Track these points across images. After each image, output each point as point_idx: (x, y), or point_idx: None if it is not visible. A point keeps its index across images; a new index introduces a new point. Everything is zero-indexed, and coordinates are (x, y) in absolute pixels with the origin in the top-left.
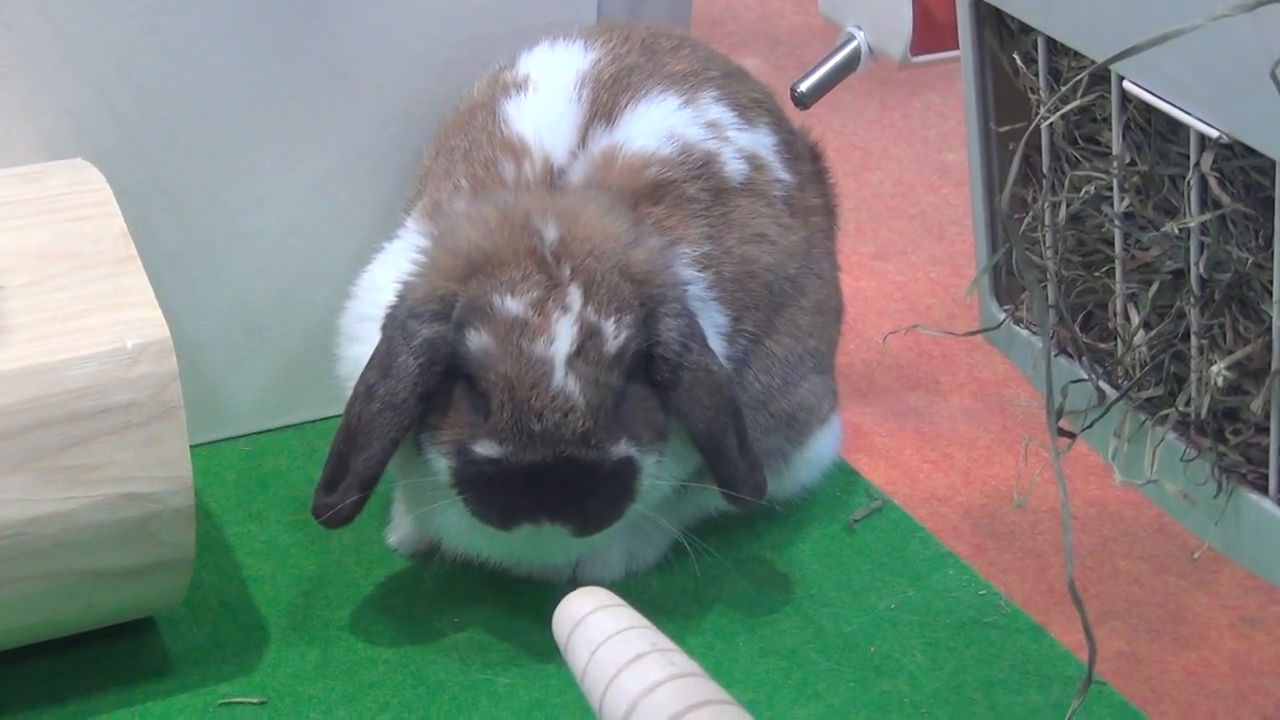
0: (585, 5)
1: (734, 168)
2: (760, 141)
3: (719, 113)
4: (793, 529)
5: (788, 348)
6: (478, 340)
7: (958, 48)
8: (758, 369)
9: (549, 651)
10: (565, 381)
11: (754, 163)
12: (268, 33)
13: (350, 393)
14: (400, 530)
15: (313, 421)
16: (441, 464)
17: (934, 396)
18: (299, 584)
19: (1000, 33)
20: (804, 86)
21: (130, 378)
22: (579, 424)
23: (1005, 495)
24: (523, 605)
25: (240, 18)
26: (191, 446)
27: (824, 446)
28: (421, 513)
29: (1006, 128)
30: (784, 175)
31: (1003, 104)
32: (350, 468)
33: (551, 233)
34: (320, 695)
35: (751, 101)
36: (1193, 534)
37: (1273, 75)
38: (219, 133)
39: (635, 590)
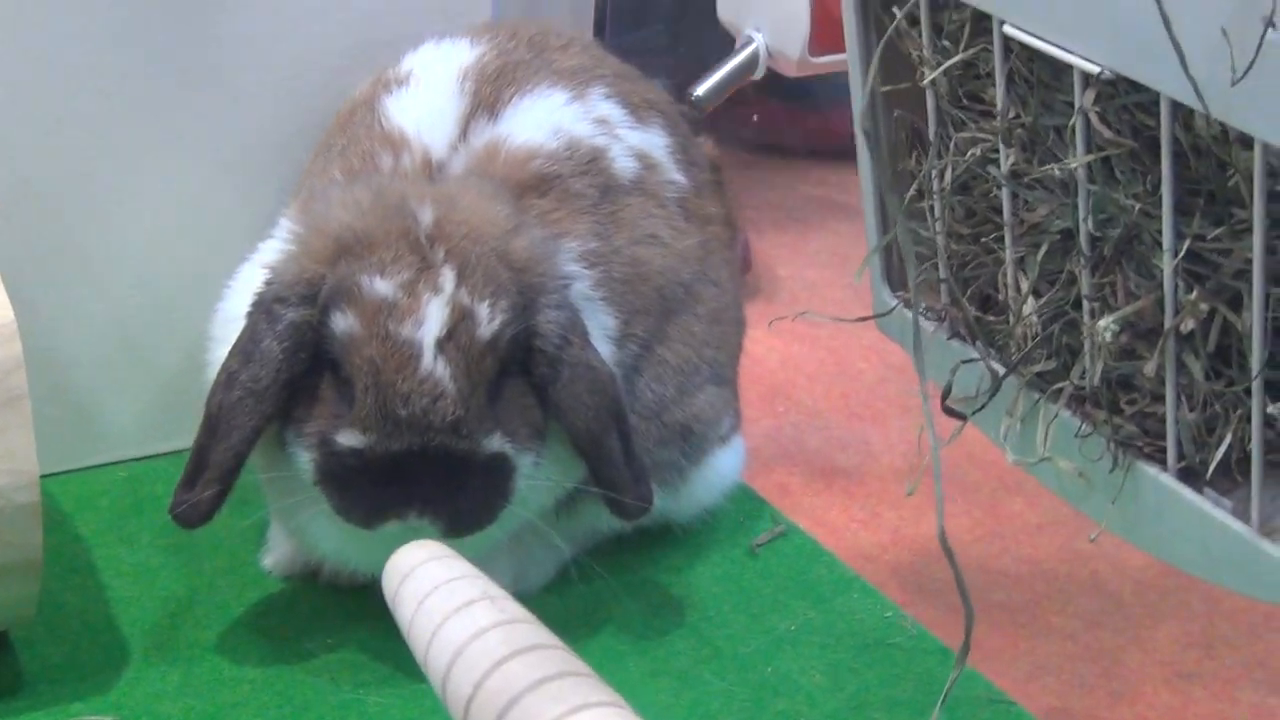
0: (478, 14)
1: (624, 165)
2: (652, 141)
3: (609, 109)
4: (692, 552)
5: (681, 355)
6: (343, 323)
7: None
8: (650, 377)
9: (419, 671)
10: (435, 365)
11: (645, 162)
12: (143, 31)
13: None
14: (276, 552)
15: None
16: (304, 458)
17: (864, 457)
18: (166, 605)
19: None
20: (701, 90)
21: None
22: (449, 411)
23: (934, 553)
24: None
25: (116, 18)
26: (65, 472)
27: (724, 465)
28: (290, 521)
29: (888, 87)
30: (678, 177)
31: (889, 71)
32: (209, 460)
33: (427, 215)
34: (178, 714)
35: (644, 101)
36: (1120, 592)
37: None
38: (91, 134)
39: None
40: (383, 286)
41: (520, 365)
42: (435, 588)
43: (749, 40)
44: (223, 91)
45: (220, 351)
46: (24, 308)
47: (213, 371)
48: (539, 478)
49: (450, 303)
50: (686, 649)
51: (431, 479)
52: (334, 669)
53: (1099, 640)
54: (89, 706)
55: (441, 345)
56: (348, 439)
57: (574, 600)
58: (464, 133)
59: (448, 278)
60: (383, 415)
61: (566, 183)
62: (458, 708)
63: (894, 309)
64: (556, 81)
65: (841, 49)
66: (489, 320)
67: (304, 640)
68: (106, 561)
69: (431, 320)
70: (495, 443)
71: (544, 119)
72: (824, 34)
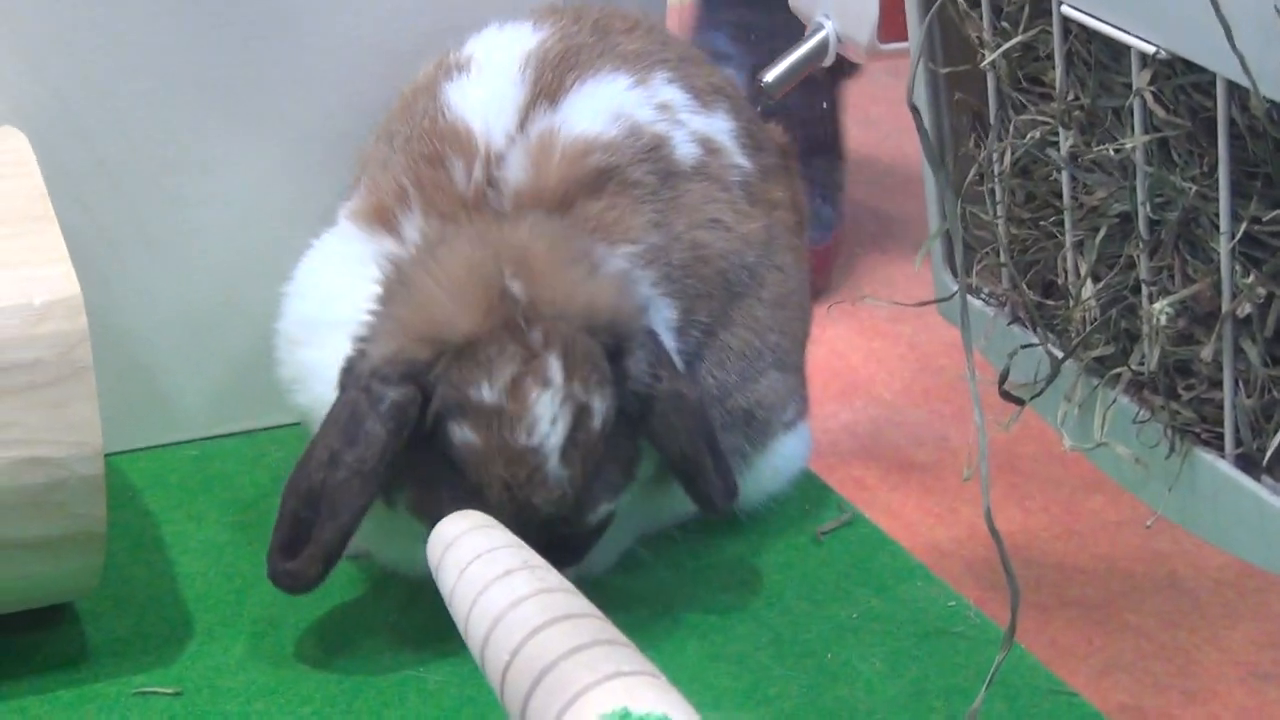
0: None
1: (686, 151)
2: (717, 126)
3: (672, 94)
4: (756, 539)
5: (744, 340)
6: (459, 434)
7: None
8: (712, 363)
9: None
10: (559, 471)
11: (708, 146)
12: (219, 16)
13: (292, 404)
14: None
15: (264, 429)
16: (420, 527)
17: (942, 453)
18: (231, 581)
19: None
20: (770, 77)
21: (36, 335)
22: (569, 504)
23: (1012, 549)
24: None
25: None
26: (135, 450)
27: (790, 451)
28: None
29: (948, 69)
30: (742, 161)
31: (951, 54)
32: (314, 536)
33: (517, 288)
34: (239, 688)
35: (709, 85)
36: (1196, 590)
37: None
38: (164, 117)
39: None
40: (488, 394)
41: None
42: (477, 556)
43: (819, 27)
44: (292, 76)
45: (298, 353)
46: (97, 288)
47: (289, 370)
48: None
49: (564, 399)
50: (746, 634)
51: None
52: (395, 645)
53: (1174, 639)
54: (151, 679)
55: (565, 451)
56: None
57: (636, 584)
58: (521, 123)
59: (555, 369)
60: (514, 518)
61: (625, 172)
62: (495, 675)
63: (955, 294)
64: (619, 66)
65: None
66: (601, 413)
67: (365, 616)
68: (174, 537)
69: (544, 422)
70: (601, 511)
71: (604, 105)
72: (893, 21)
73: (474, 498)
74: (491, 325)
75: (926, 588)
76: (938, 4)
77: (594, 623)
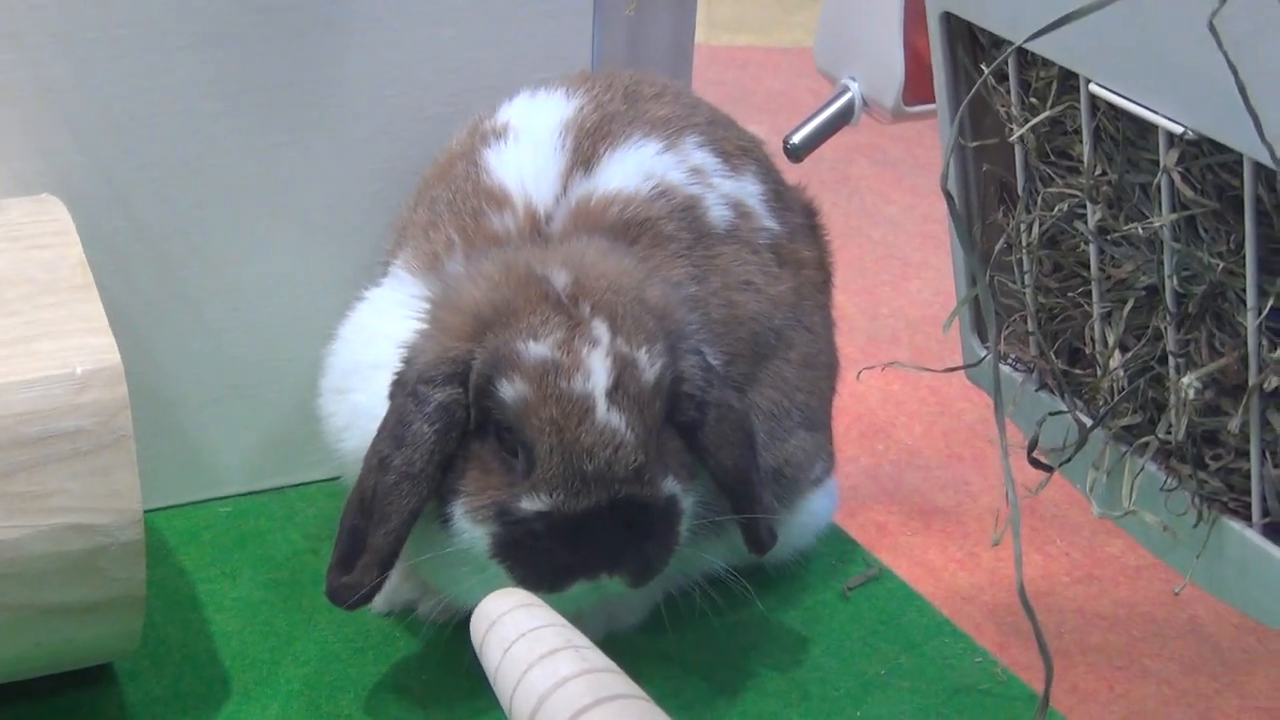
0: (579, 60)
1: (718, 214)
2: (746, 189)
3: (702, 158)
4: (784, 594)
5: (772, 400)
6: (511, 390)
7: None
8: None
9: None
10: (609, 416)
11: (739, 210)
12: (255, 83)
13: (343, 455)
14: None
15: (295, 485)
16: (478, 532)
17: (963, 498)
18: (266, 640)
19: (974, 50)
20: (796, 138)
21: (78, 404)
22: (630, 459)
23: (1033, 595)
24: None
25: (227, 66)
26: (170, 507)
27: (817, 508)
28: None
29: (977, 143)
30: (770, 224)
31: (979, 126)
32: (368, 544)
33: (561, 277)
34: None
35: (737, 149)
36: (1217, 636)
37: (1210, 27)
38: (202, 182)
39: (613, 652)
40: (540, 349)
41: (667, 411)
42: (521, 635)
43: (844, 89)
44: (328, 139)
45: (345, 401)
46: (134, 348)
47: (332, 423)
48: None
49: (611, 353)
50: (776, 691)
51: (616, 534)
52: (429, 705)
53: (1195, 685)
54: None
55: (612, 396)
56: (532, 504)
57: (664, 643)
58: (565, 188)
59: (601, 330)
60: (569, 472)
61: (658, 226)
62: None
63: (983, 360)
64: (650, 132)
65: (934, 98)
66: (650, 365)
67: (401, 677)
68: (209, 595)
69: (597, 373)
70: (670, 485)
71: (635, 168)
72: (918, 83)
73: (513, 466)
74: (529, 297)
75: (954, 643)
76: (973, 91)
77: (640, 704)
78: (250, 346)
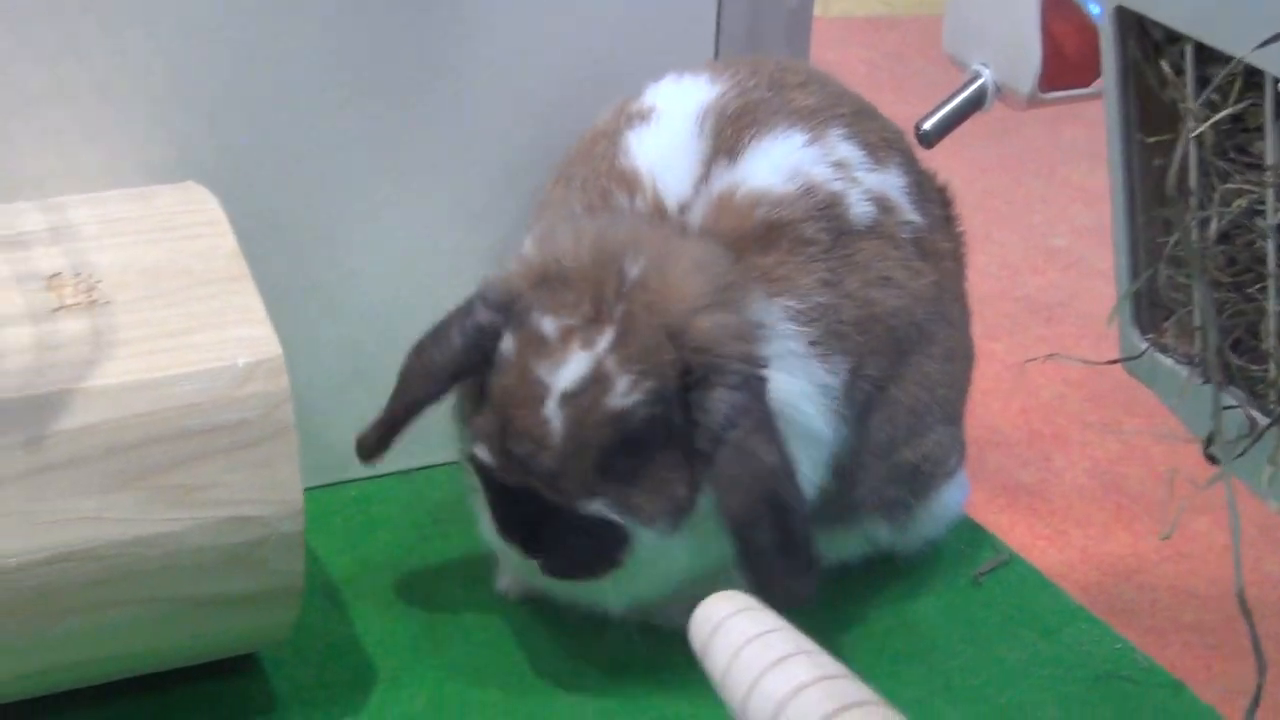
0: (704, 44)
1: (860, 210)
2: (890, 182)
3: (847, 151)
4: (915, 582)
5: (914, 396)
6: (506, 345)
7: (1086, 85)
8: (881, 418)
9: (666, 698)
10: (551, 414)
11: (882, 205)
12: (382, 68)
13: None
14: (507, 574)
15: (421, 468)
16: (466, 451)
17: (1046, 474)
18: (407, 627)
19: (1145, 44)
20: (928, 125)
21: (240, 396)
22: (547, 462)
23: (1122, 574)
24: (640, 656)
25: (357, 51)
26: None
27: (949, 500)
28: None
29: (1155, 139)
30: (914, 217)
31: (1147, 120)
32: (385, 407)
33: (634, 270)
34: None
35: (882, 141)
36: None
37: None
38: (331, 168)
39: None
40: (548, 325)
41: (684, 439)
42: (749, 640)
43: (976, 75)
44: (459, 122)
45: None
46: None
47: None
48: (676, 555)
49: (593, 363)
50: (917, 679)
51: (537, 521)
52: (577, 694)
53: None
54: None
55: (566, 398)
56: (480, 452)
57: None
58: (706, 175)
59: (605, 338)
60: (501, 444)
61: (798, 229)
62: None
63: (1144, 352)
64: (795, 122)
65: (1070, 86)
66: (624, 393)
67: (545, 667)
68: (346, 582)
69: (567, 371)
70: (595, 507)
71: (782, 162)
72: (1055, 70)
73: (483, 405)
74: (585, 274)
75: (1090, 630)
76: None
77: (881, 710)
78: (375, 331)
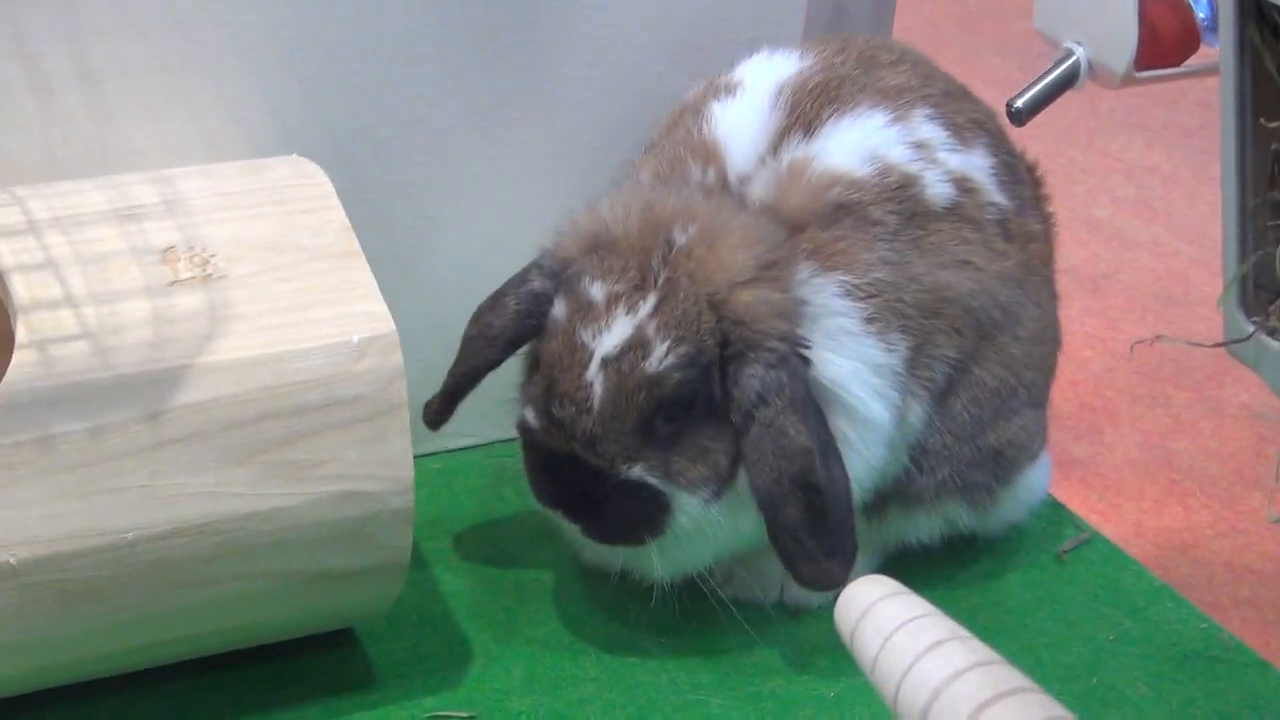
0: (792, 20)
1: (938, 191)
2: (974, 164)
3: (930, 132)
4: (1000, 559)
5: (999, 378)
6: (556, 310)
7: (1178, 65)
8: (966, 399)
9: (759, 674)
10: (593, 378)
11: (963, 186)
12: (477, 45)
13: None
14: (593, 547)
15: (504, 440)
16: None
17: (1098, 448)
18: (499, 600)
19: (1262, 29)
20: (1020, 102)
21: (356, 371)
22: (588, 426)
23: (1177, 548)
24: (730, 627)
25: (453, 25)
26: None
27: (1033, 483)
28: None
29: (1276, 124)
30: (999, 199)
31: (1262, 103)
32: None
33: (681, 239)
34: (529, 711)
35: (970, 122)
36: None
37: None
38: (423, 143)
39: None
40: (596, 291)
41: (721, 409)
42: (901, 624)
43: (1068, 53)
44: (548, 102)
45: None
46: None
47: None
48: (721, 523)
49: (635, 327)
50: (1009, 655)
51: (577, 485)
52: (671, 670)
53: None
54: (441, 702)
55: (607, 362)
56: (529, 415)
57: None
58: (775, 148)
59: (647, 304)
60: (545, 407)
61: (866, 210)
62: None
63: (1251, 335)
64: (879, 101)
65: (1164, 65)
66: (660, 359)
67: (637, 638)
68: (436, 555)
69: (611, 336)
70: (636, 472)
71: (859, 141)
72: (1150, 49)
73: (538, 365)
74: (632, 243)
75: (1176, 609)
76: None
77: (1039, 697)
78: (465, 307)
